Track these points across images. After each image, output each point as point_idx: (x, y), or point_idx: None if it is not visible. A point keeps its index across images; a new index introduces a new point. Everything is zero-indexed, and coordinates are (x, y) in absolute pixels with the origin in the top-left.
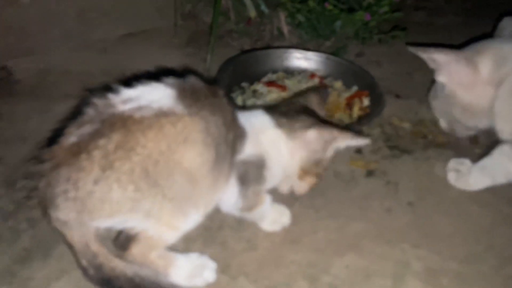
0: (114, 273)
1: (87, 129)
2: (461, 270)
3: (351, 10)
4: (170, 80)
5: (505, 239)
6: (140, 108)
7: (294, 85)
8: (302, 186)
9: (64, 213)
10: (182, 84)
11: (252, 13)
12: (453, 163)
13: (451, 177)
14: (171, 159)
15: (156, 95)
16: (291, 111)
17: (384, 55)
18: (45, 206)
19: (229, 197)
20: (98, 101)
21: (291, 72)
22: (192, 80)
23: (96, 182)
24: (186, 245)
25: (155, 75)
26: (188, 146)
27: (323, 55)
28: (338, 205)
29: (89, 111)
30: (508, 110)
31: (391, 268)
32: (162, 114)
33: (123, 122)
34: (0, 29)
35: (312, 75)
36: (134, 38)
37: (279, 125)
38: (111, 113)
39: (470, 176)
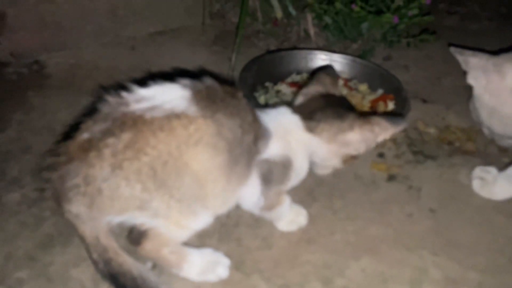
0: (121, 269)
1: (99, 126)
2: (482, 281)
3: (379, 12)
4: (186, 81)
5: None
6: (152, 109)
7: None
8: (339, 168)
9: (76, 206)
10: (197, 86)
11: (279, 13)
12: (478, 171)
13: (476, 185)
14: (180, 161)
15: (170, 96)
16: (318, 111)
17: (412, 59)
18: (58, 198)
19: (250, 195)
20: (111, 99)
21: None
22: (208, 81)
23: (105, 179)
24: (201, 240)
25: (173, 76)
26: (199, 149)
27: (348, 57)
28: (357, 208)
29: (103, 109)
30: None
31: (408, 274)
32: (174, 116)
33: (134, 122)
34: (36, 24)
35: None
36: (162, 36)
37: (310, 129)
38: (123, 112)
39: (496, 185)
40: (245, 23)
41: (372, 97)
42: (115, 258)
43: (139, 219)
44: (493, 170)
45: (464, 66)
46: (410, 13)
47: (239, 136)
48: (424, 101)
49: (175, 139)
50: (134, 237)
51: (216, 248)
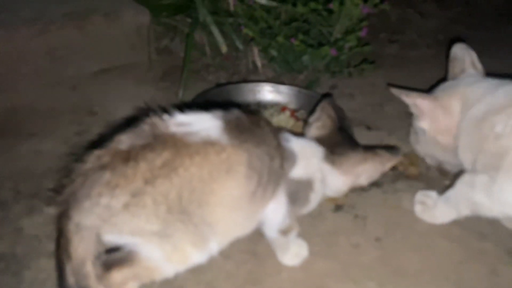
0: None
1: (139, 141)
2: None
3: (321, 44)
4: (218, 112)
5: (475, 275)
6: (190, 134)
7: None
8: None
9: (88, 218)
10: (228, 117)
11: (223, 48)
12: (419, 196)
13: (418, 210)
14: (209, 187)
15: (205, 124)
16: (338, 145)
17: (357, 87)
18: (68, 206)
19: (276, 214)
20: (154, 119)
21: (263, 105)
22: (236, 113)
23: (134, 195)
24: None
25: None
26: (230, 177)
27: (294, 89)
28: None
29: (144, 126)
30: (468, 141)
31: None
32: (209, 143)
33: (174, 143)
34: None
35: (283, 108)
36: (107, 74)
37: (332, 161)
38: (165, 132)
39: (436, 209)
40: (191, 58)
41: None
42: None
43: (143, 245)
44: (433, 194)
45: (413, 109)
46: (347, 45)
47: (267, 163)
48: (368, 128)
49: (208, 164)
50: (108, 261)
51: None
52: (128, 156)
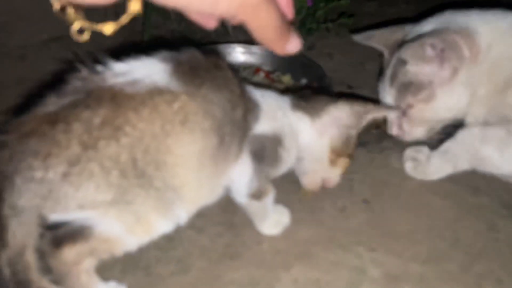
0: None
1: (69, 99)
2: (424, 273)
3: None
4: (165, 53)
5: (473, 232)
6: (132, 83)
7: None
8: (334, 175)
9: (23, 198)
10: (178, 58)
11: None
12: (410, 152)
13: (409, 167)
14: (164, 144)
15: (150, 70)
16: (305, 94)
17: (335, 47)
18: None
19: (241, 177)
20: (85, 72)
21: (236, 68)
22: (190, 52)
23: (72, 163)
24: (101, 273)
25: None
26: (186, 130)
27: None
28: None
29: (74, 82)
30: (486, 90)
31: (345, 277)
32: (156, 91)
33: (113, 96)
34: None
35: (257, 69)
36: (60, 42)
37: (299, 107)
38: (100, 85)
39: (430, 164)
40: (153, 23)
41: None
42: (36, 283)
43: (99, 218)
44: (425, 149)
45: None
46: None
47: (229, 112)
48: (350, 87)
49: (159, 117)
50: (57, 237)
51: (120, 281)
52: (56, 119)
